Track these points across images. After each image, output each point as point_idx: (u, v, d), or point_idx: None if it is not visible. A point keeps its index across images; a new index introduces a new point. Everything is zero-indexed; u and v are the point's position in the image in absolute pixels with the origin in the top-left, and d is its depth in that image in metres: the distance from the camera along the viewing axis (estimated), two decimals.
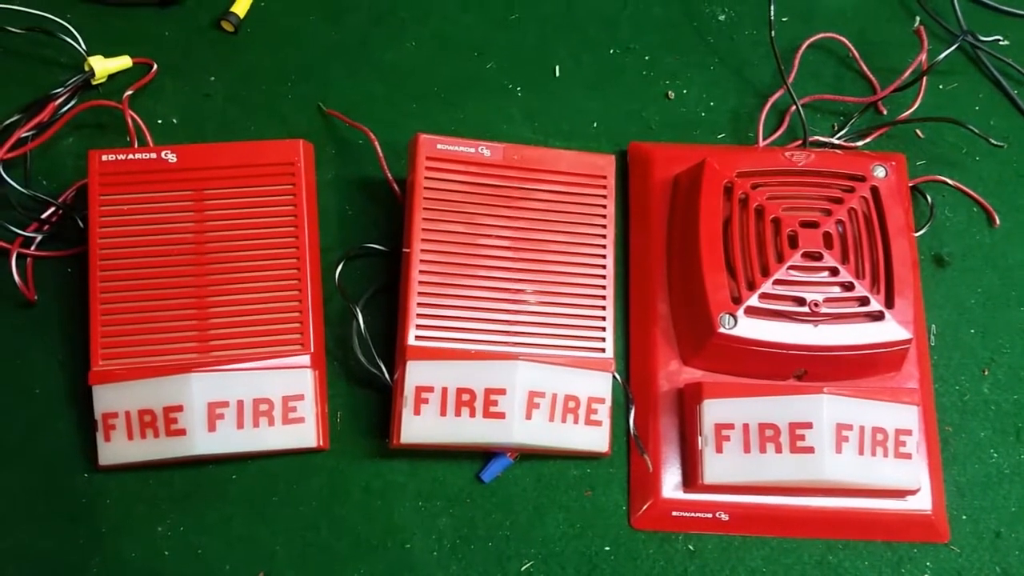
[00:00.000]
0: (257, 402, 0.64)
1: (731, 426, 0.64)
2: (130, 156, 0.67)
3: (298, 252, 0.67)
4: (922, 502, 0.66)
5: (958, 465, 0.68)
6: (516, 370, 0.64)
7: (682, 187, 0.72)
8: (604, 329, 0.67)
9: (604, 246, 0.68)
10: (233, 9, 0.79)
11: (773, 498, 0.65)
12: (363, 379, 0.68)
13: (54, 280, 0.70)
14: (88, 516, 0.66)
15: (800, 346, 0.65)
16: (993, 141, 0.74)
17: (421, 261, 0.66)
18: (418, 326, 0.64)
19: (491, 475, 0.67)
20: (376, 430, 0.68)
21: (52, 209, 0.71)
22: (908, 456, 0.64)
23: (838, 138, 0.76)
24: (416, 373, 0.64)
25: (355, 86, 0.78)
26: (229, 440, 0.64)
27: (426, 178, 0.67)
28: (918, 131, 0.78)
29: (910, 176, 0.75)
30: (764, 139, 0.75)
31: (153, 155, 0.67)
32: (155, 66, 0.77)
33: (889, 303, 0.66)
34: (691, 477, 0.65)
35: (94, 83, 0.76)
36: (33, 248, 0.70)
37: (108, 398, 0.64)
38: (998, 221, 0.75)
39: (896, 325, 0.65)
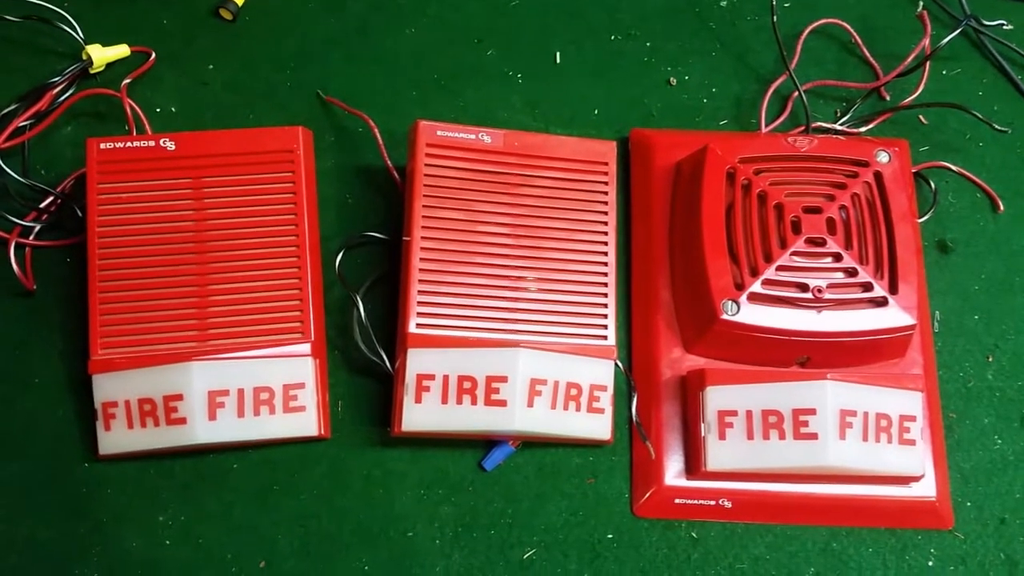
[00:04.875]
0: (258, 391, 0.64)
1: (734, 413, 0.64)
2: (128, 144, 0.67)
3: (298, 240, 0.67)
4: (926, 489, 0.66)
5: (962, 452, 0.68)
6: (517, 358, 0.63)
7: (684, 174, 0.71)
8: (606, 316, 0.66)
9: (606, 233, 0.68)
10: None
11: (776, 485, 0.65)
12: (364, 367, 0.68)
13: (53, 269, 0.70)
14: (88, 506, 0.65)
15: (803, 332, 0.64)
16: (997, 126, 0.74)
17: (421, 249, 0.65)
18: (419, 314, 0.64)
19: (493, 463, 0.67)
20: (377, 418, 0.68)
21: (50, 198, 0.70)
22: (912, 443, 0.64)
23: (841, 124, 0.76)
24: (417, 361, 0.63)
25: (354, 73, 0.77)
26: (230, 429, 0.63)
27: (426, 165, 0.67)
28: (921, 117, 0.77)
29: (913, 162, 0.75)
30: (766, 125, 0.75)
31: (151, 143, 0.67)
32: (153, 54, 0.76)
33: (893, 289, 0.65)
34: (694, 464, 0.65)
35: (92, 72, 0.75)
36: (32, 238, 0.70)
37: (108, 387, 0.64)
38: (1002, 207, 0.75)
39: (900, 311, 0.65)
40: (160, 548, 0.65)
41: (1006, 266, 0.73)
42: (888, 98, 0.78)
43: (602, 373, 0.65)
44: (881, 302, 0.65)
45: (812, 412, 0.63)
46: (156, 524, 0.65)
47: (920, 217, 0.73)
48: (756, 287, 0.65)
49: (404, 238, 0.66)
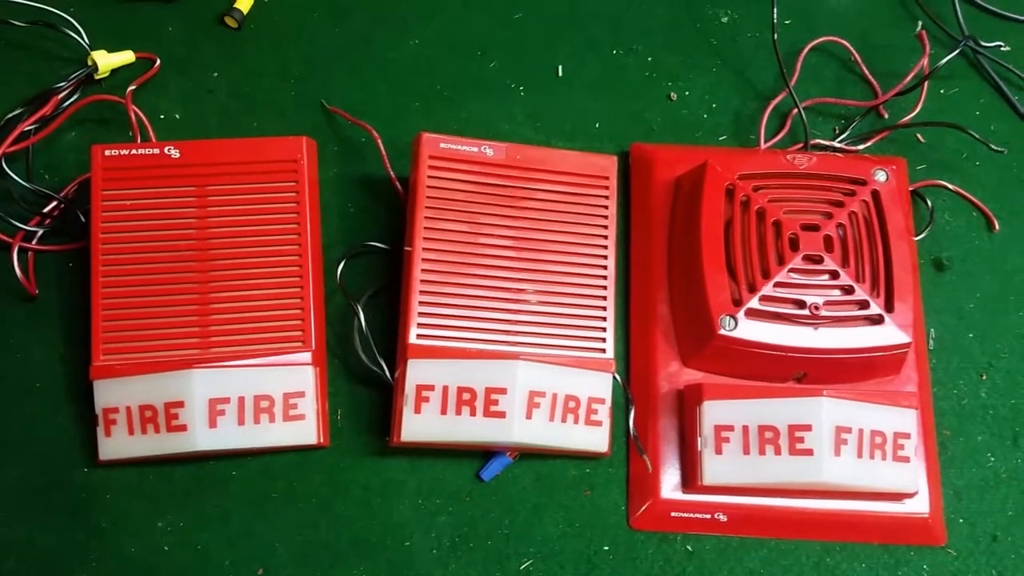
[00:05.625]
0: (258, 399, 0.64)
1: (731, 428, 0.64)
2: (133, 151, 0.67)
3: (300, 249, 0.67)
4: (919, 505, 0.66)
5: (955, 469, 0.69)
6: (517, 370, 0.64)
7: (684, 189, 0.72)
8: (605, 329, 0.67)
9: (605, 247, 0.68)
10: (237, 5, 0.79)
11: (771, 500, 0.66)
12: (364, 377, 0.68)
13: (55, 274, 0.70)
14: (88, 511, 0.66)
15: (800, 349, 0.65)
16: (993, 146, 0.74)
17: (423, 260, 0.66)
18: (419, 325, 0.65)
19: (491, 474, 0.67)
20: (376, 428, 0.68)
21: (54, 203, 0.71)
22: (906, 459, 0.64)
23: (839, 141, 0.76)
24: (417, 372, 0.64)
25: (358, 84, 0.78)
26: (230, 436, 0.64)
27: (429, 177, 0.67)
28: (919, 135, 0.78)
29: (910, 180, 0.75)
30: (766, 141, 0.76)
31: (156, 150, 0.68)
32: (158, 61, 0.77)
33: (889, 307, 0.66)
34: (690, 478, 0.66)
35: (97, 77, 0.76)
36: (35, 242, 0.70)
37: (109, 393, 0.64)
38: (997, 226, 0.75)
39: (896, 329, 0.65)
40: (159, 554, 0.65)
41: (1001, 285, 0.74)
42: (886, 116, 0.79)
43: (600, 386, 0.66)
44: (877, 320, 0.66)
45: (808, 428, 0.63)
46: (155, 530, 0.65)
47: (916, 235, 0.73)
48: (754, 303, 0.65)
49: (406, 249, 0.67)
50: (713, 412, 0.65)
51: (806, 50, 0.78)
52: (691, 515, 0.66)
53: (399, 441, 0.64)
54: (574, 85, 0.79)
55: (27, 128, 0.72)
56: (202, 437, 0.63)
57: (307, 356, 0.66)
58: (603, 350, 0.66)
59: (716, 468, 0.64)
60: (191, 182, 0.67)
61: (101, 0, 0.79)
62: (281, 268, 0.67)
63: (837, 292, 0.66)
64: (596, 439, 0.66)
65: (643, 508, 0.67)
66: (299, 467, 0.67)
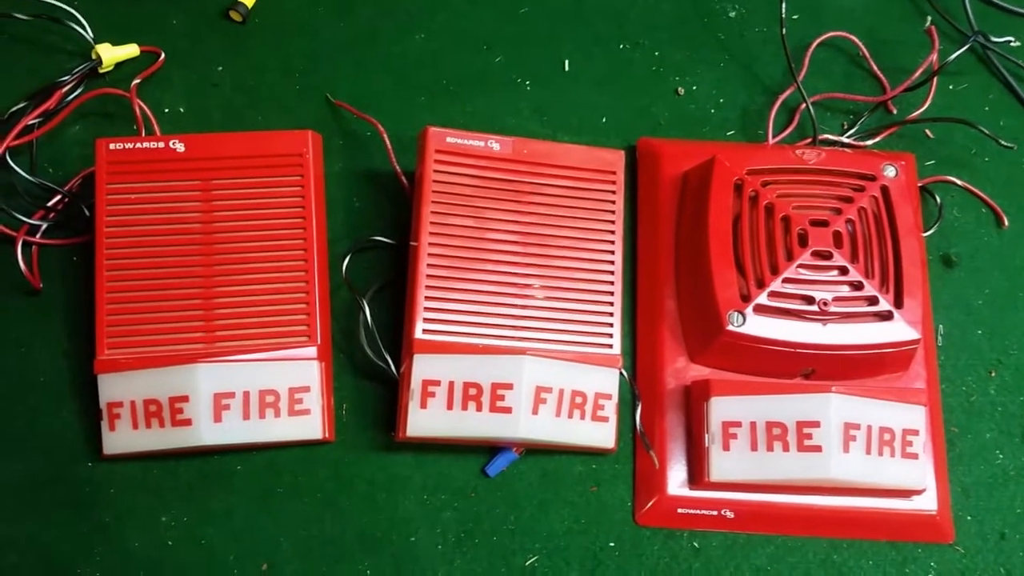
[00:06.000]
0: (263, 393, 0.64)
1: (738, 424, 0.64)
2: (138, 145, 0.67)
3: (305, 244, 0.67)
4: (927, 502, 0.66)
5: (964, 466, 0.68)
6: (523, 365, 0.63)
7: (691, 184, 0.71)
8: (611, 325, 0.66)
9: (612, 242, 0.68)
10: None
11: (779, 496, 0.65)
12: (369, 372, 0.68)
13: (60, 268, 0.70)
14: (92, 505, 0.65)
15: (808, 345, 0.64)
16: (1003, 142, 0.74)
17: (429, 254, 0.65)
18: (425, 320, 0.64)
19: (496, 469, 0.67)
20: (382, 423, 0.68)
21: (58, 197, 0.70)
22: (915, 456, 0.64)
23: (848, 137, 0.76)
24: (423, 367, 0.63)
25: (363, 78, 0.77)
26: (234, 431, 0.63)
27: (435, 171, 0.67)
28: (928, 131, 0.78)
29: (919, 176, 0.75)
30: (774, 137, 0.75)
31: (161, 144, 0.67)
32: (163, 55, 0.76)
33: (898, 303, 0.65)
34: (697, 474, 0.65)
35: (101, 71, 0.75)
36: (39, 236, 0.70)
37: (113, 387, 0.64)
38: (1006, 222, 0.75)
39: (905, 325, 0.65)
40: (163, 548, 0.65)
41: (1010, 281, 0.73)
42: (895, 112, 0.78)
43: (607, 382, 0.65)
44: (886, 316, 0.65)
45: (816, 424, 0.63)
46: (159, 524, 0.65)
47: (925, 231, 0.73)
48: (762, 299, 0.65)
49: (412, 243, 0.67)
50: (720, 408, 0.64)
51: (814, 45, 0.77)
52: (698, 511, 0.66)
53: (404, 436, 0.63)
54: (580, 80, 0.79)
55: (31, 122, 0.72)
56: (207, 432, 0.63)
57: (312, 351, 0.65)
58: (610, 345, 0.66)
59: (723, 464, 0.64)
60: (196, 176, 0.67)
61: None
62: (286, 263, 0.67)
63: (846, 288, 0.66)
64: (602, 435, 0.65)
65: (649, 504, 0.66)
66: (304, 462, 0.67)
